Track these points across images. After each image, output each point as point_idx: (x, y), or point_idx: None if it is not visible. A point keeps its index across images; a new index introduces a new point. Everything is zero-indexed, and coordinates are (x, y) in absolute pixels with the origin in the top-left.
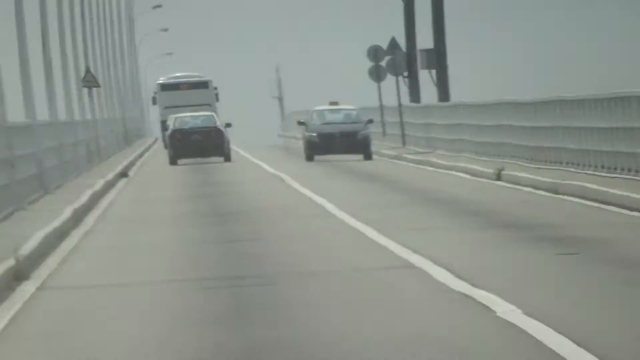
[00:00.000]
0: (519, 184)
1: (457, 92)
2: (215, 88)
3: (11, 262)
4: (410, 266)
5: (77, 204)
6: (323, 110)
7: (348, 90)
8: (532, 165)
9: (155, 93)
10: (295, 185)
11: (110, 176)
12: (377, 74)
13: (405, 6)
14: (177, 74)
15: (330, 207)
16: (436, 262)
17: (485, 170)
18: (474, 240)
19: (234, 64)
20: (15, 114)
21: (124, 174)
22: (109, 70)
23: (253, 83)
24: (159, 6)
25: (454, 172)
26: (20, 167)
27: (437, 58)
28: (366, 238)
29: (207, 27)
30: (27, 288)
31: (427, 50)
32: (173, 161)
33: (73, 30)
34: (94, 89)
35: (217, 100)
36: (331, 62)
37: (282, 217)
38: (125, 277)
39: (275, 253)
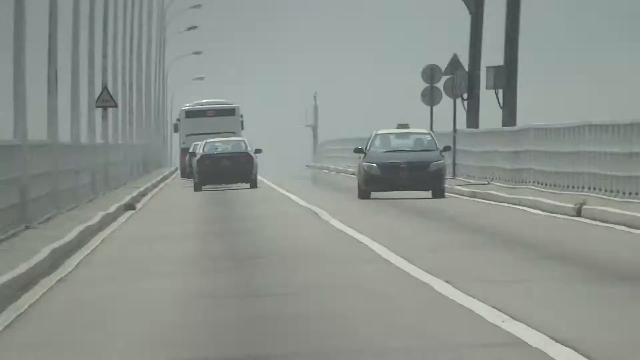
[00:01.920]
0: (607, 221)
1: (522, 117)
2: (241, 115)
3: None
4: (519, 344)
5: (59, 243)
6: (388, 134)
7: (394, 116)
8: (617, 199)
9: (178, 120)
10: (334, 222)
11: (112, 208)
12: (431, 97)
13: (472, 19)
14: (203, 101)
15: (380, 249)
16: (556, 337)
17: (561, 204)
18: (587, 299)
19: (268, 90)
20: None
21: (130, 206)
22: (132, 91)
23: (286, 110)
24: (194, 27)
25: (521, 207)
26: None
27: (507, 76)
28: (437, 294)
29: (241, 51)
30: None
31: (495, 68)
32: (198, 188)
33: (91, 42)
34: (110, 109)
35: (242, 128)
36: (377, 87)
37: (321, 262)
38: (87, 352)
39: (312, 316)
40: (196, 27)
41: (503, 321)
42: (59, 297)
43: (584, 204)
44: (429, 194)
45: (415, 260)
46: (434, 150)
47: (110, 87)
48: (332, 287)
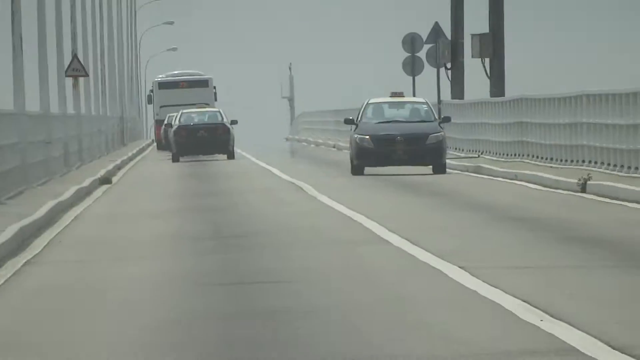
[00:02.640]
0: (616, 197)
1: (510, 88)
2: (215, 87)
3: None
4: (569, 351)
5: (27, 220)
6: (381, 103)
7: (374, 88)
8: (622, 174)
9: (152, 91)
10: (323, 198)
11: (86, 182)
12: (412, 66)
13: None
14: (176, 72)
15: (377, 228)
16: (611, 343)
17: (562, 179)
18: (630, 291)
19: (244, 62)
20: None
21: (105, 180)
22: (104, 61)
23: (263, 82)
24: None
25: (518, 182)
26: None
27: (494, 44)
28: (453, 282)
29: (215, 21)
30: None
31: (481, 35)
32: (176, 158)
33: (58, 6)
34: (81, 79)
35: (216, 99)
36: (354, 58)
37: (314, 244)
38: (50, 351)
39: (308, 310)
40: None
41: (541, 320)
42: (25, 284)
43: (588, 179)
44: (429, 169)
45: (420, 242)
46: (432, 121)
47: (80, 56)
48: (328, 273)
